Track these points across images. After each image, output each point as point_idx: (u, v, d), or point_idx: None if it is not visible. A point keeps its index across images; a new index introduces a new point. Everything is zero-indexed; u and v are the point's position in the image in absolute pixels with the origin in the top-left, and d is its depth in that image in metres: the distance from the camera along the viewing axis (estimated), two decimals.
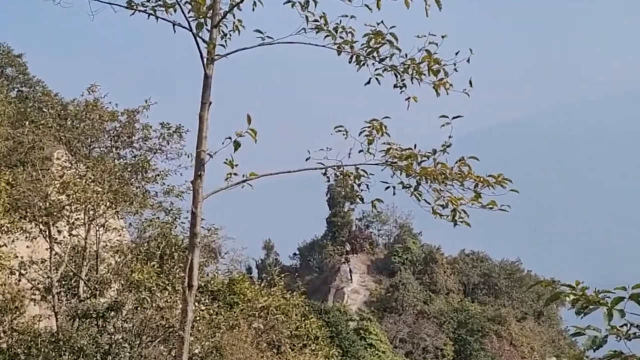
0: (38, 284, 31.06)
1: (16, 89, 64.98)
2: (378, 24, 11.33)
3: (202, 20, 11.72)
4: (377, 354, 59.78)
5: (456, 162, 11.38)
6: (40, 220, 29.75)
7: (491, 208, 11.22)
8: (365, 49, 11.76)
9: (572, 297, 7.21)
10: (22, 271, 30.88)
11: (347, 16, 11.55)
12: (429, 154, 11.55)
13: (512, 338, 78.06)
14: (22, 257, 30.84)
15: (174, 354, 27.20)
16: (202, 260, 33.62)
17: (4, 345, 28.85)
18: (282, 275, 46.07)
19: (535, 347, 78.25)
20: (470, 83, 11.59)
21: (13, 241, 29.70)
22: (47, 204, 29.45)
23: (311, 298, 65.32)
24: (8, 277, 29.24)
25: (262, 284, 40.61)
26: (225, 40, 12.15)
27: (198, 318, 27.89)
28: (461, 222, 11.41)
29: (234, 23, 12.17)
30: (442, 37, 11.29)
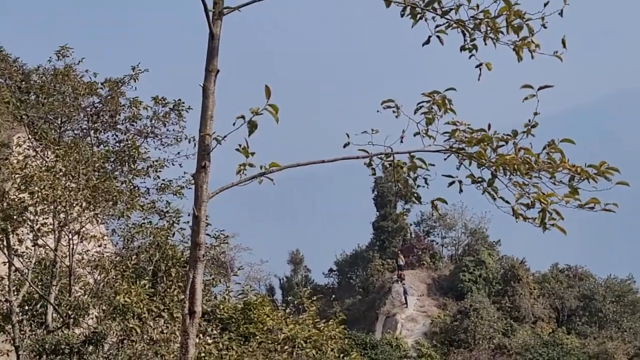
0: None
1: None
2: None
3: None
4: None
5: (544, 148, 11.15)
6: None
7: (592, 208, 11.05)
8: None
9: None
10: None
11: None
12: (508, 137, 11.36)
13: None
14: None
15: None
16: (208, 279, 33.77)
17: None
18: (314, 297, 46.22)
19: None
20: (564, 43, 11.44)
21: None
22: (5, 204, 29.70)
23: (353, 328, 65.59)
24: None
25: (288, 309, 40.76)
26: None
27: (203, 354, 28.05)
28: (552, 226, 11.27)
29: None
30: None
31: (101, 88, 33.24)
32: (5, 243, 30.23)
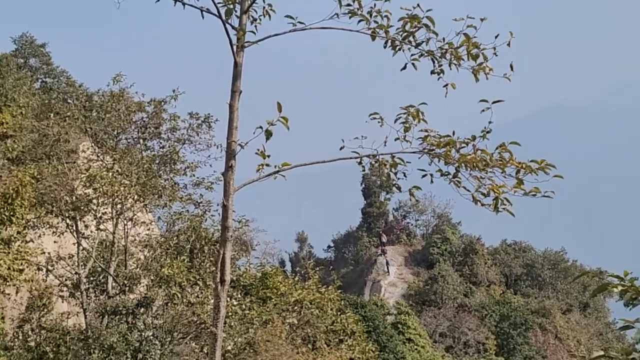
0: (66, 280, 31.40)
1: (40, 80, 65.53)
2: (414, 7, 11.30)
3: (231, 6, 11.76)
4: (416, 349, 59.79)
5: (497, 148, 11.30)
6: (66, 214, 30.04)
7: (534, 195, 11.15)
8: (400, 33, 11.73)
9: (620, 288, 7.21)
10: (50, 267, 31.23)
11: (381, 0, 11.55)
12: (468, 141, 11.49)
13: (557, 331, 77.74)
14: (49, 253, 31.19)
15: (206, 351, 27.41)
16: (234, 254, 33.77)
17: (32, 344, 29.19)
18: (316, 268, 46.14)
19: (581, 341, 77.83)
20: (512, 67, 11.50)
21: (40, 236, 30.01)
22: (74, 198, 29.73)
23: (347, 292, 65.45)
24: (35, 273, 29.56)
25: (296, 278, 40.74)
26: (255, 26, 12.17)
27: (230, 314, 28.02)
28: (503, 210, 11.35)
29: (264, 8, 12.19)
30: (481, 20, 11.23)
31: (148, 106, 33.27)
32: (74, 228, 30.25)
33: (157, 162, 32.81)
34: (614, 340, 77.29)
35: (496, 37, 11.27)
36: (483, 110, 11.23)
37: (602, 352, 7.74)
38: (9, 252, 24.68)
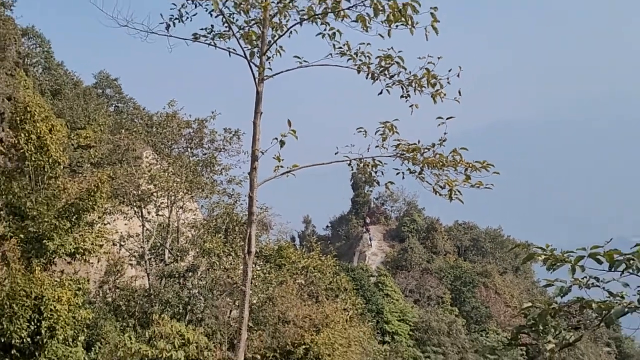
0: (134, 252, 31.43)
1: (113, 105, 65.59)
2: (388, 49, 11.28)
3: (254, 49, 11.73)
4: (392, 302, 59.79)
5: (450, 152, 11.34)
6: (134, 204, 30.08)
7: (478, 187, 11.19)
8: (378, 68, 11.70)
9: (543, 256, 7.20)
10: (122, 243, 31.26)
11: (364, 43, 11.52)
12: (429, 147, 11.51)
13: (497, 288, 77.76)
14: (121, 233, 31.21)
15: (237, 304, 27.43)
16: (257, 232, 33.74)
17: (109, 299, 29.23)
18: (318, 242, 46.10)
19: (514, 295, 77.96)
20: (459, 93, 11.49)
21: (114, 220, 30.05)
22: (139, 192, 29.76)
23: (341, 260, 65.44)
24: (111, 247, 29.60)
25: (303, 250, 40.81)
26: (270, 62, 12.14)
27: (255, 276, 28.03)
28: (456, 198, 11.35)
29: (276, 49, 12.15)
30: (438, 58, 11.20)
31: (193, 123, 33.21)
32: (140, 214, 30.25)
33: (200, 165, 32.78)
34: (538, 295, 77.39)
35: (449, 70, 11.26)
36: (439, 125, 11.23)
37: (530, 303, 7.71)
38: (92, 232, 24.66)
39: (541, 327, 7.53)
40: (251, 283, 19.62)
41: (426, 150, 11.50)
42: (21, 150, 22.67)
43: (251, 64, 11.73)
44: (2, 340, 18.13)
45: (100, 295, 29.67)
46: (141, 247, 30.50)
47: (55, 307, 18.39)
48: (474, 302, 73.14)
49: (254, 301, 28.27)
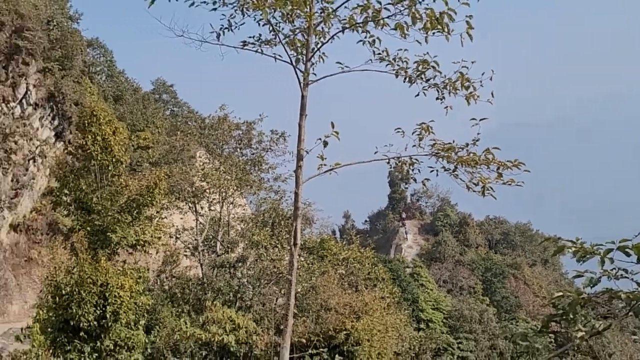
0: (188, 244, 31.76)
1: (169, 109, 66.55)
2: (424, 54, 11.19)
3: (300, 56, 11.75)
4: (426, 291, 59.36)
5: (483, 151, 11.18)
6: (189, 200, 30.40)
7: (510, 184, 11.02)
8: (415, 72, 11.61)
9: (574, 249, 7.09)
10: (177, 235, 31.62)
11: (402, 49, 11.44)
12: (463, 147, 11.38)
13: (526, 279, 76.81)
14: (177, 226, 31.60)
15: (283, 292, 27.52)
16: (301, 226, 33.79)
17: (166, 287, 29.58)
18: (357, 236, 46.02)
19: (543, 286, 76.86)
20: (492, 94, 11.34)
21: (171, 215, 30.42)
22: (194, 188, 30.08)
23: (378, 252, 65.21)
24: (168, 239, 29.97)
25: (343, 242, 40.75)
26: (313, 68, 12.13)
27: (299, 267, 28.08)
28: (488, 194, 11.20)
29: (319, 55, 12.14)
30: (472, 62, 11.09)
31: (242, 126, 33.37)
32: (194, 209, 30.57)
33: (249, 164, 32.94)
34: (566, 286, 75.78)
35: (482, 74, 11.11)
36: (473, 126, 11.11)
37: (561, 293, 7.58)
38: (151, 225, 25.01)
39: (571, 316, 7.41)
40: (296, 273, 19.70)
41: (460, 149, 11.38)
42: (88, 151, 23.09)
43: (296, 69, 11.76)
44: (72, 324, 18.50)
45: (158, 283, 30.06)
46: (195, 239, 30.82)
47: (118, 293, 18.69)
48: (504, 292, 72.26)
49: (298, 290, 28.32)
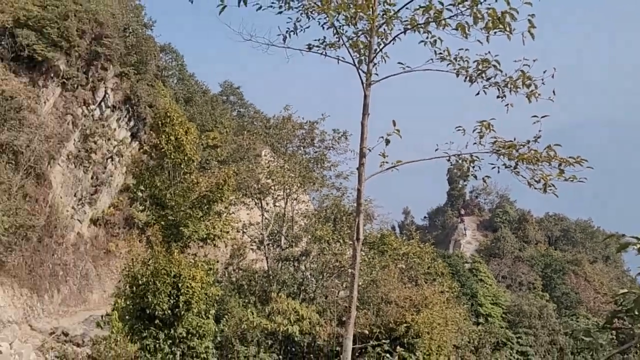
0: (254, 238, 32.12)
1: (236, 110, 67.51)
2: (486, 54, 10.99)
3: (362, 57, 11.73)
4: (485, 286, 58.30)
5: (545, 148, 10.89)
6: (255, 196, 30.73)
7: (572, 181, 10.71)
8: (476, 71, 11.42)
9: (638, 245, 6.85)
10: (244, 230, 32.04)
11: (463, 49, 11.27)
12: (524, 144, 11.10)
13: (587, 275, 74.51)
14: (244, 221, 32.02)
15: (345, 286, 27.57)
16: (363, 222, 33.72)
17: (234, 279, 30.01)
18: (417, 231, 45.60)
19: (604, 282, 74.40)
20: (554, 92, 11.02)
21: (238, 210, 30.84)
22: (259, 185, 30.40)
23: (437, 247, 64.55)
24: (236, 234, 30.40)
25: (403, 238, 40.44)
26: (376, 68, 12.08)
27: (361, 261, 28.04)
28: (550, 191, 10.91)
29: (381, 56, 12.07)
30: (534, 60, 10.82)
31: (305, 125, 33.51)
32: (260, 205, 30.89)
33: (311, 162, 33.06)
34: (629, 283, 73.39)
35: (544, 72, 10.82)
36: (534, 123, 10.83)
37: (625, 290, 7.35)
38: (220, 220, 25.48)
39: (636, 313, 7.18)
40: (359, 266, 19.69)
41: (521, 146, 11.12)
42: (162, 150, 23.69)
43: (359, 70, 11.74)
44: (148, 312, 19.04)
45: (226, 275, 30.54)
46: (261, 234, 31.13)
47: (190, 284, 19.11)
48: (564, 288, 70.34)
49: (360, 283, 28.28)
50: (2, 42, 35.81)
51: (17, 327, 28.09)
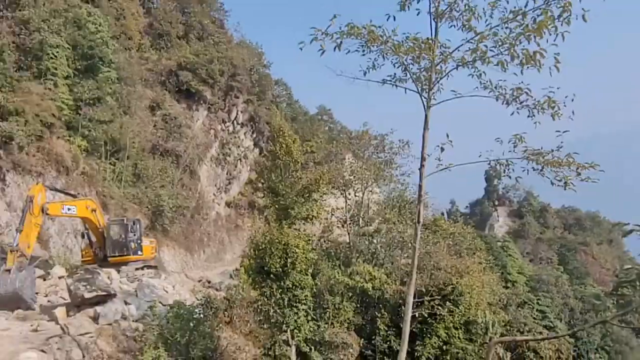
0: (340, 219, 32.12)
1: (327, 125, 67.87)
2: (520, 83, 10.61)
3: (424, 87, 11.58)
4: (513, 260, 55.88)
5: (565, 156, 10.48)
6: (340, 188, 30.71)
7: (587, 181, 10.22)
8: (511, 97, 11.02)
9: None
10: (332, 213, 32.08)
11: (502, 80, 10.94)
12: (549, 152, 10.69)
13: (594, 254, 70.12)
14: (332, 206, 32.09)
15: (406, 255, 27.23)
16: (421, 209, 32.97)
17: (324, 247, 30.06)
18: (461, 217, 44.24)
19: (608, 260, 69.77)
20: (573, 112, 10.47)
21: (329, 198, 30.89)
22: (344, 181, 30.40)
23: (476, 229, 62.45)
24: (327, 215, 30.55)
25: (450, 222, 39.29)
26: (434, 95, 11.84)
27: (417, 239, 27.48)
28: (569, 189, 10.43)
29: (438, 87, 11.83)
30: (557, 88, 10.35)
31: (378, 137, 33.04)
32: (344, 195, 30.85)
33: (382, 163, 32.69)
34: (628, 261, 68.40)
35: (566, 97, 10.32)
36: (557, 136, 10.38)
37: (630, 266, 6.95)
38: (316, 205, 25.77)
39: (638, 283, 6.77)
40: (419, 242, 19.42)
41: (547, 154, 10.68)
42: (276, 154, 24.31)
43: (422, 96, 11.60)
44: (265, 269, 19.53)
45: (319, 245, 30.80)
46: (344, 215, 31.17)
47: (295, 250, 19.42)
48: (576, 263, 66.45)
49: (418, 254, 27.80)
50: (170, 80, 37.67)
51: (177, 275, 29.63)
